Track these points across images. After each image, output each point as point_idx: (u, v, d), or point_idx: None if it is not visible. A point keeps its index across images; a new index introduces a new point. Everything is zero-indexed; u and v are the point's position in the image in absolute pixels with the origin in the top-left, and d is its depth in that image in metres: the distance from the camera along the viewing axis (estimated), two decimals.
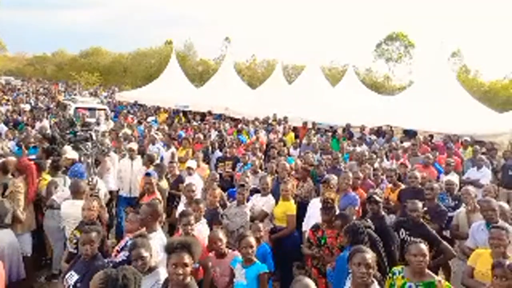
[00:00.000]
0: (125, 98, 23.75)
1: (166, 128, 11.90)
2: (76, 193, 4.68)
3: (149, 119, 15.12)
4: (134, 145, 7.48)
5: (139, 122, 13.48)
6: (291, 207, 5.12)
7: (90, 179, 5.25)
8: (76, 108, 14.61)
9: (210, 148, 9.22)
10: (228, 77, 21.40)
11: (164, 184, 6.12)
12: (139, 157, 7.11)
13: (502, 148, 10.88)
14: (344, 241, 3.78)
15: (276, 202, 5.33)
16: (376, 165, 7.80)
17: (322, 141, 10.59)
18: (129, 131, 10.73)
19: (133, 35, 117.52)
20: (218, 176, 6.17)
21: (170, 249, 2.83)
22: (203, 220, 4.50)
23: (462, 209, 5.29)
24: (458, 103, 13.70)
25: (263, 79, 27.87)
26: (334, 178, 5.46)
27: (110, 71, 50.84)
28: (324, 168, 7.01)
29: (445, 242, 4.39)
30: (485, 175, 7.72)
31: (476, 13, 78.59)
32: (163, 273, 3.23)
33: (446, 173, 7.56)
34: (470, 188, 5.42)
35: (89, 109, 14.75)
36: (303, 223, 5.19)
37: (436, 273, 4.08)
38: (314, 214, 4.93)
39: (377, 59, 48.30)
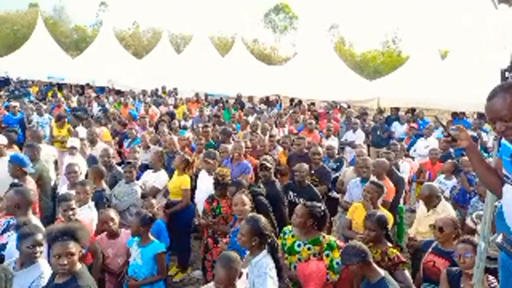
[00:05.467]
0: None
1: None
2: None
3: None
4: None
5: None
6: (185, 181, 5.03)
7: None
8: None
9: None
10: (110, 46, 19.57)
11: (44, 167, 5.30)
12: None
13: (371, 112, 12.42)
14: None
15: (170, 177, 5.18)
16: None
17: (214, 112, 10.61)
18: None
19: None
20: (111, 151, 5.66)
21: (51, 239, 2.55)
22: (91, 203, 4.14)
23: (349, 168, 5.79)
24: (335, 72, 14.99)
25: (150, 49, 26.29)
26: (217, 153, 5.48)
27: None
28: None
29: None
30: (359, 137, 8.67)
31: None
32: (45, 265, 2.88)
33: (327, 137, 8.30)
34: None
35: None
36: (195, 195, 5.18)
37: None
38: (202, 186, 5.01)
39: (264, 30, 49.57)
